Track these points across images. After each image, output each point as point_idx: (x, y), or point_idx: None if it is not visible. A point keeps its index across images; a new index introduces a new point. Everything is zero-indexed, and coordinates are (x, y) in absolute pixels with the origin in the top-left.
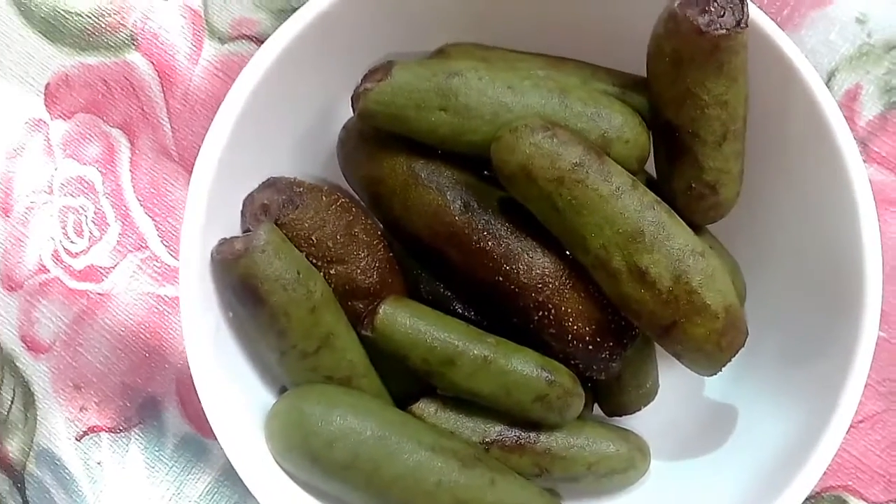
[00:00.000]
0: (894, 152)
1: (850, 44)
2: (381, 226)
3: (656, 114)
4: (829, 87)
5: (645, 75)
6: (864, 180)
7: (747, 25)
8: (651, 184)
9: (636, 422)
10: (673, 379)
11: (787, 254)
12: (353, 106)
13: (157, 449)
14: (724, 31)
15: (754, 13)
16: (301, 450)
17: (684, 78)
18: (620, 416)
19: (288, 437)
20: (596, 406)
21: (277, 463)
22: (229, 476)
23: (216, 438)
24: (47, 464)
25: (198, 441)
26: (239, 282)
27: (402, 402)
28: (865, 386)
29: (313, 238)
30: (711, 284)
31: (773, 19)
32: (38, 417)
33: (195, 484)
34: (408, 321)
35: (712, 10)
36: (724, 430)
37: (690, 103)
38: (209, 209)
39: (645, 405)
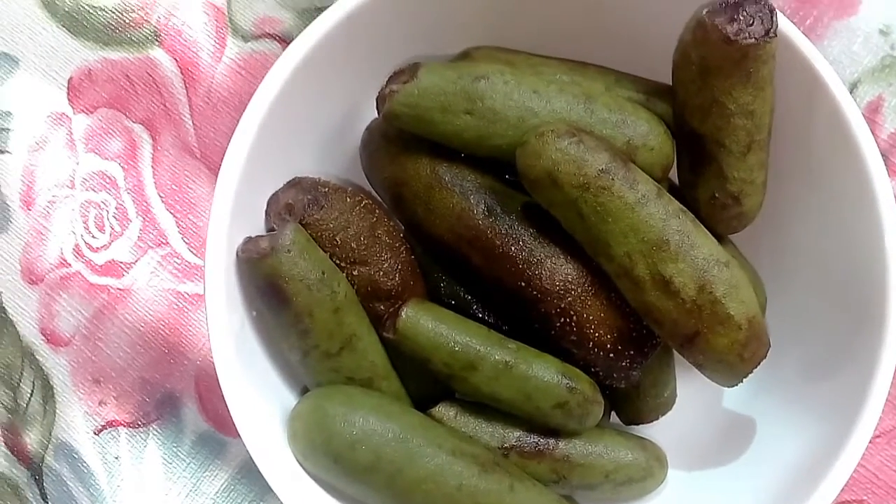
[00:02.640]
0: None
1: (873, 55)
2: (403, 228)
3: (681, 122)
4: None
5: (668, 83)
6: (889, 193)
7: (776, 35)
8: (674, 192)
9: (653, 431)
10: (691, 389)
11: (810, 266)
12: (377, 107)
13: (174, 445)
14: (752, 41)
15: (782, 22)
16: (323, 450)
17: (711, 86)
18: (638, 424)
19: (311, 438)
20: (613, 414)
21: (299, 463)
22: (246, 474)
23: (234, 436)
24: (65, 457)
25: (215, 438)
26: (264, 281)
27: (421, 404)
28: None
29: (337, 239)
30: (735, 295)
31: None
32: (57, 410)
33: (212, 481)
34: (430, 324)
35: (741, 18)
36: (742, 442)
37: (716, 112)
38: (235, 208)
39: (663, 414)
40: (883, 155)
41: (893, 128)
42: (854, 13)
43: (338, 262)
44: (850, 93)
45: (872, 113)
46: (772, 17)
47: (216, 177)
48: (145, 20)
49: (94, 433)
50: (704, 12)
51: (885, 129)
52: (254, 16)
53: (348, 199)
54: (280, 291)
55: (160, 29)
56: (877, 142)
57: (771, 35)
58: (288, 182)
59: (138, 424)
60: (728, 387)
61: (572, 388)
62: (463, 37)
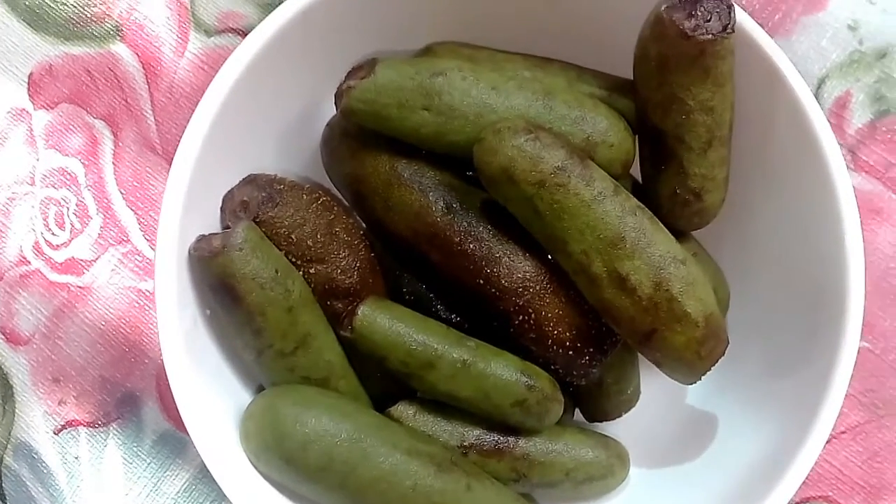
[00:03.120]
0: (882, 161)
1: (842, 50)
2: (363, 225)
3: (642, 118)
4: (818, 94)
5: (631, 78)
6: (849, 189)
7: (734, 31)
8: (636, 188)
9: (617, 428)
10: (655, 386)
11: (772, 262)
12: (336, 103)
13: (135, 444)
14: (710, 36)
15: (741, 18)
16: (275, 451)
17: (670, 82)
18: (601, 421)
19: (262, 439)
20: (577, 412)
21: (252, 464)
22: (207, 473)
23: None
24: (25, 457)
25: (176, 437)
26: (216, 280)
27: (381, 403)
28: (848, 396)
29: (293, 236)
30: (692, 292)
31: (764, 24)
32: (17, 410)
33: (173, 481)
34: (387, 323)
35: (699, 14)
36: (704, 439)
37: (676, 108)
38: (187, 204)
39: (626, 411)
40: (849, 150)
41: (861, 123)
42: (823, 8)
43: (294, 260)
44: (818, 88)
45: (840, 108)
46: (729, 13)
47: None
48: (107, 14)
49: (54, 433)
50: (662, 8)
51: (852, 124)
52: (217, 10)
53: (304, 196)
54: (232, 290)
55: (122, 23)
56: (844, 137)
57: (728, 31)
58: (243, 179)
59: (98, 424)
60: (687, 384)
61: (531, 386)
62: (426, 32)
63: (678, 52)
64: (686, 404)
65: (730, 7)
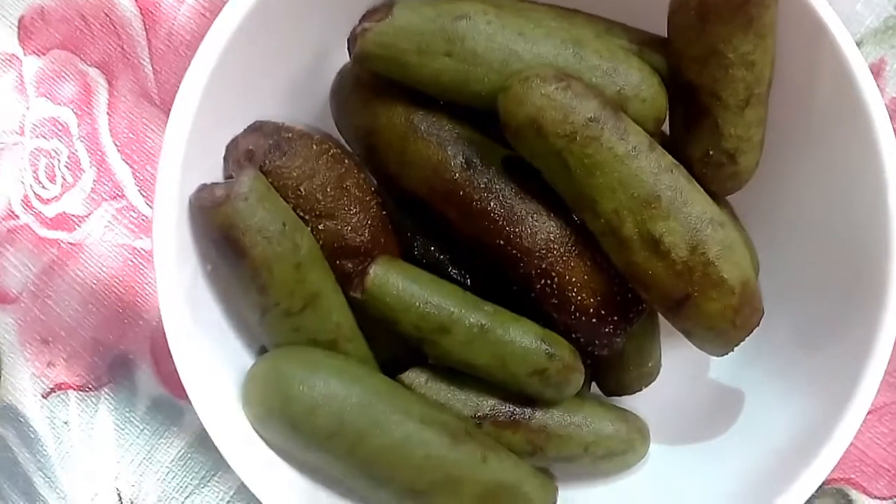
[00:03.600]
0: None
1: (877, 16)
2: (374, 181)
3: (676, 74)
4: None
5: (661, 35)
6: (894, 151)
7: None
8: (666, 148)
9: (636, 402)
10: (676, 358)
11: (807, 229)
12: (349, 48)
13: (127, 410)
14: None
15: None
16: (280, 416)
17: (709, 33)
18: (620, 395)
19: (266, 403)
20: (594, 385)
21: (255, 429)
22: (204, 441)
23: (191, 401)
24: (11, 421)
25: (171, 403)
26: (219, 231)
27: (391, 370)
28: None
29: (301, 189)
30: (729, 256)
31: None
32: (3, 372)
33: (167, 449)
34: (400, 283)
35: None
36: (729, 415)
37: (714, 62)
38: (188, 152)
39: (646, 385)
40: None
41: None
42: None
43: (302, 214)
44: None
45: (875, 76)
46: None
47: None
48: None
49: (42, 396)
50: None
51: (886, 93)
52: None
53: (314, 147)
54: (236, 243)
55: None
56: None
57: None
58: (249, 126)
59: (89, 388)
60: (718, 356)
61: (551, 355)
62: None
63: (721, 0)
64: (709, 378)
65: None
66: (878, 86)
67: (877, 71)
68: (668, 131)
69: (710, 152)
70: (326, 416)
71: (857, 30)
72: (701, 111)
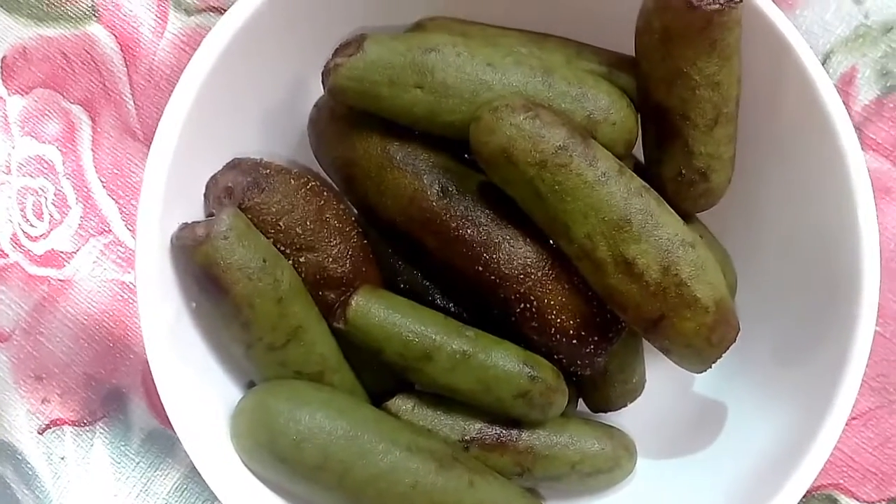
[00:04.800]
0: (891, 139)
1: (847, 25)
2: (355, 211)
3: (645, 95)
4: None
5: (632, 55)
6: (862, 165)
7: (741, 1)
8: (638, 169)
9: (621, 418)
10: (660, 374)
11: (780, 243)
12: (323, 82)
13: (123, 443)
14: (717, 6)
15: None
16: (268, 450)
17: (674, 56)
18: (605, 412)
19: (254, 437)
20: (581, 402)
21: (243, 462)
22: (199, 472)
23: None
24: (8, 458)
25: (166, 435)
26: (200, 270)
27: (378, 397)
28: None
29: (281, 223)
30: (702, 277)
31: None
32: None
33: (163, 480)
34: (382, 313)
35: None
36: (714, 428)
37: (681, 84)
38: (168, 190)
39: (631, 401)
40: (856, 127)
41: (867, 100)
42: None
43: (282, 248)
44: (823, 63)
45: (846, 84)
46: None
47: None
48: None
49: (38, 432)
50: None
51: (858, 100)
52: None
53: (292, 181)
54: (217, 281)
55: (98, 3)
56: (850, 114)
57: (736, 1)
58: (227, 164)
59: (84, 423)
60: (696, 372)
61: (534, 377)
62: (415, 7)
63: (683, 24)
64: (693, 392)
65: None
66: (849, 93)
67: (848, 79)
68: (641, 150)
69: (683, 171)
70: (313, 448)
71: (827, 39)
72: (671, 131)
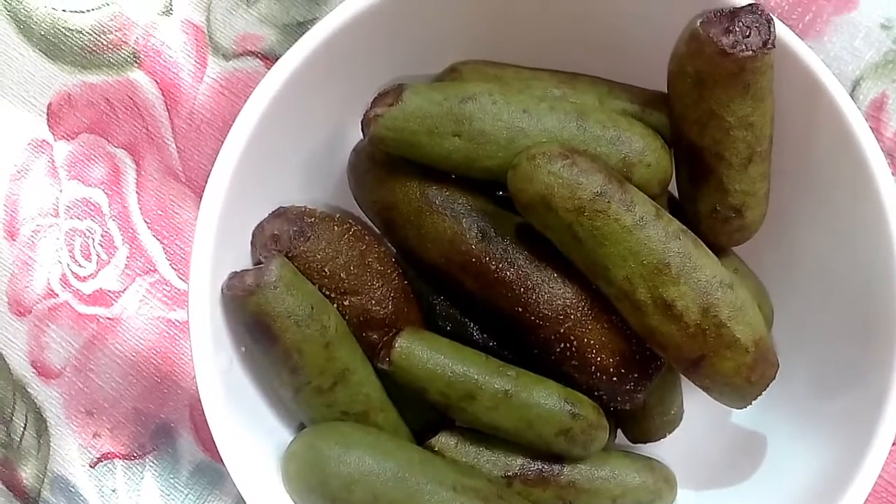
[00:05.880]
0: None
1: (876, 51)
2: (394, 251)
3: (678, 134)
4: (854, 96)
5: (663, 90)
6: (895, 197)
7: (774, 46)
8: (672, 203)
9: (660, 449)
10: (698, 404)
11: (816, 275)
12: (363, 130)
13: (172, 476)
14: (750, 53)
15: (780, 30)
16: (319, 492)
17: (708, 99)
18: (644, 443)
19: (305, 480)
20: (619, 432)
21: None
22: None
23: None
24: (62, 490)
25: (213, 468)
26: (251, 319)
27: (421, 433)
28: None
29: (326, 270)
30: (741, 317)
31: (794, 26)
32: (52, 444)
33: None
34: (425, 354)
35: (737, 29)
36: (753, 460)
37: (714, 125)
38: (218, 239)
39: (670, 432)
40: (888, 153)
41: None
42: (854, 8)
43: (327, 293)
44: (853, 90)
45: (876, 110)
46: (769, 28)
47: (201, 200)
48: (123, 41)
49: (90, 466)
50: (699, 23)
51: (889, 126)
52: (234, 33)
53: (336, 228)
54: (267, 329)
55: (139, 50)
56: (882, 141)
57: (769, 46)
58: (273, 212)
59: (134, 456)
60: (737, 409)
61: (575, 415)
62: (449, 50)
63: (716, 69)
64: (730, 422)
65: (769, 21)
66: (880, 119)
67: (879, 105)
68: (675, 186)
69: (717, 208)
70: (363, 491)
71: (857, 66)
72: (705, 169)
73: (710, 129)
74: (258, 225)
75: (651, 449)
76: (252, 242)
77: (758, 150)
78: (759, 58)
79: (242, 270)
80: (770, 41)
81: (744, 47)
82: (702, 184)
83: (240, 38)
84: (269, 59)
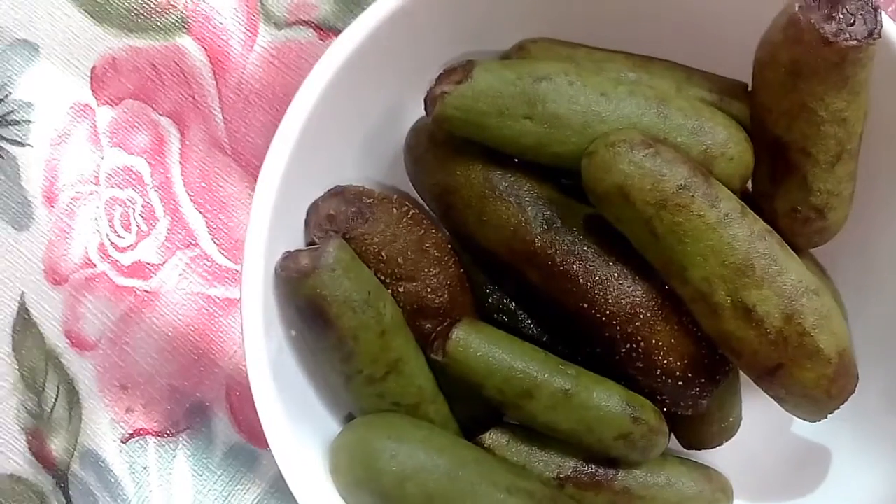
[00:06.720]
0: None
1: None
2: (448, 235)
3: (761, 128)
4: None
5: (739, 79)
6: None
7: (881, 36)
8: (745, 199)
9: (716, 457)
10: (757, 412)
11: (895, 283)
12: (426, 109)
13: (205, 456)
14: (854, 42)
15: (887, 21)
16: (369, 487)
17: (801, 91)
18: (699, 449)
19: (355, 473)
20: (672, 437)
21: (342, 496)
22: (280, 488)
23: (267, 448)
24: (92, 465)
25: (248, 450)
26: (305, 301)
27: (471, 428)
28: None
29: (383, 254)
30: (826, 326)
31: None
32: (83, 417)
33: (244, 495)
34: (483, 348)
35: (840, 16)
36: (814, 472)
37: (804, 119)
38: (273, 219)
39: (727, 440)
40: None
41: None
42: None
43: (382, 278)
44: None
45: None
46: (876, 17)
47: (247, 174)
48: (172, 5)
49: (122, 441)
50: (797, 7)
51: None
52: (288, 1)
53: (395, 210)
54: (323, 313)
55: (188, 14)
56: None
57: (875, 36)
58: (329, 190)
59: (167, 434)
60: (811, 422)
61: (637, 419)
62: (516, 28)
63: (815, 59)
64: (791, 433)
65: (876, 9)
66: None
67: None
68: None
69: (798, 208)
70: (416, 487)
71: None
72: (789, 166)
73: (800, 122)
74: (313, 203)
75: (705, 456)
76: (306, 220)
77: (847, 147)
78: (863, 48)
79: (297, 250)
80: (877, 31)
81: (847, 36)
82: (783, 181)
83: (293, 7)
84: (323, 29)
